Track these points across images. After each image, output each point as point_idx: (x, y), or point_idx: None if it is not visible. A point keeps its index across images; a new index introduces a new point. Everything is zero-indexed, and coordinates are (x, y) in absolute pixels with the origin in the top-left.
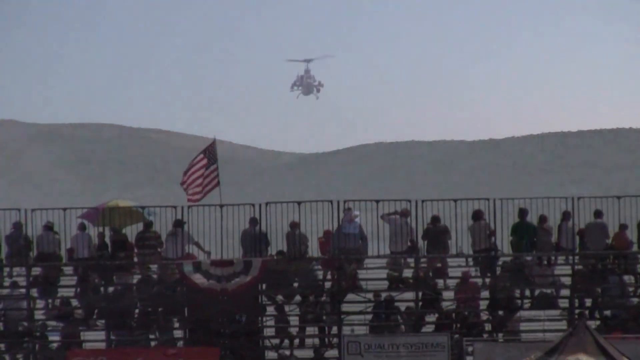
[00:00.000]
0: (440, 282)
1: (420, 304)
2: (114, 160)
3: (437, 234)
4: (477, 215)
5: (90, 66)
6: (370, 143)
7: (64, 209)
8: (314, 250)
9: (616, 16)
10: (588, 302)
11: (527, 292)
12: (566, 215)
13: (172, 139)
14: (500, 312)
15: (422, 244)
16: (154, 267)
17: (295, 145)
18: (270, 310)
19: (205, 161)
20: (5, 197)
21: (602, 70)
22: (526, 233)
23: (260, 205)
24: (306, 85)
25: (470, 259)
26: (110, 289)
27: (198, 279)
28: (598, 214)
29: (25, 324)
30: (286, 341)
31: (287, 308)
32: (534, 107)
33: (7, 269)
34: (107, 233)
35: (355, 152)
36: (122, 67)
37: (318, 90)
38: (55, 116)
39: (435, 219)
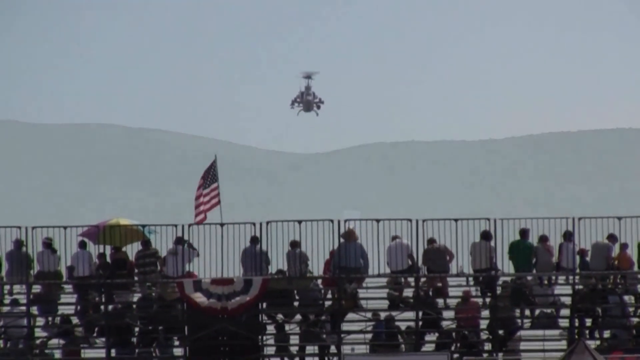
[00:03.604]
0: (440, 302)
1: (420, 323)
2: (114, 160)
3: (436, 252)
4: (485, 236)
5: (90, 66)
6: (370, 143)
7: (65, 227)
8: (314, 269)
9: (616, 17)
10: (588, 322)
11: (527, 312)
12: (567, 235)
13: (172, 139)
14: (501, 332)
15: (422, 263)
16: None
17: (295, 146)
18: (271, 329)
19: (202, 181)
20: (6, 197)
21: (603, 71)
22: (522, 252)
23: (260, 224)
24: (306, 102)
25: (470, 279)
26: (111, 307)
27: (198, 297)
28: (611, 237)
29: (26, 341)
30: None
31: (287, 327)
32: (534, 107)
33: (7, 287)
34: (108, 251)
35: (355, 152)
36: (122, 68)
37: (318, 107)
38: (55, 116)
39: (431, 241)
